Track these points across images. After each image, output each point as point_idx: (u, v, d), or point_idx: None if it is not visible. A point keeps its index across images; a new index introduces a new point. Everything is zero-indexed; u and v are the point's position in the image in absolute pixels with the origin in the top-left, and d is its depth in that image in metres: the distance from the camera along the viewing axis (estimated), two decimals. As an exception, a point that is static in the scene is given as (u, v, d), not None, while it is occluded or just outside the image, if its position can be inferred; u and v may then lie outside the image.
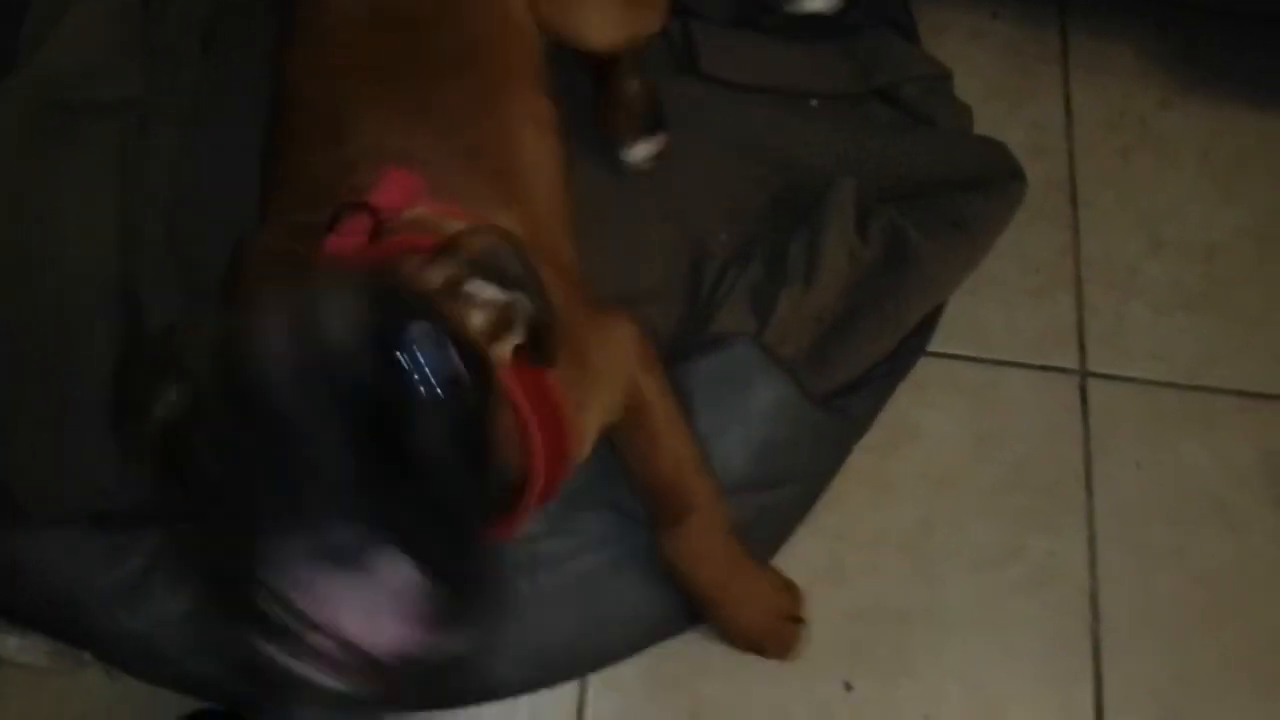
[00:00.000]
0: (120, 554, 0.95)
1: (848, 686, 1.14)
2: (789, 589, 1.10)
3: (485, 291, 0.67)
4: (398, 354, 0.57)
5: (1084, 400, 1.29)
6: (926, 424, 1.25)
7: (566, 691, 1.08)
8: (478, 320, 0.67)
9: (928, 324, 1.17)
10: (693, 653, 1.11)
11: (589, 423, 0.92)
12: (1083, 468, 1.26)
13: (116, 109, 1.06)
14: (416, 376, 0.57)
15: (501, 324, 0.68)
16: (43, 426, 0.97)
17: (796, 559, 1.15)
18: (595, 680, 1.09)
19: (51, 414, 0.98)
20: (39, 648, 0.93)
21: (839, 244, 1.09)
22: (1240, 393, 1.32)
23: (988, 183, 1.17)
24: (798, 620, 1.10)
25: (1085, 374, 1.30)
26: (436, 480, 0.56)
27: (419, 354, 0.58)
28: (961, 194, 1.16)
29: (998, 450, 1.25)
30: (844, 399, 1.09)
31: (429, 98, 0.94)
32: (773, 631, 1.09)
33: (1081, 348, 1.31)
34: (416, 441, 0.56)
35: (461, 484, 0.57)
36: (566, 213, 1.02)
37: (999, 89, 1.40)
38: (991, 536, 1.21)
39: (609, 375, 0.95)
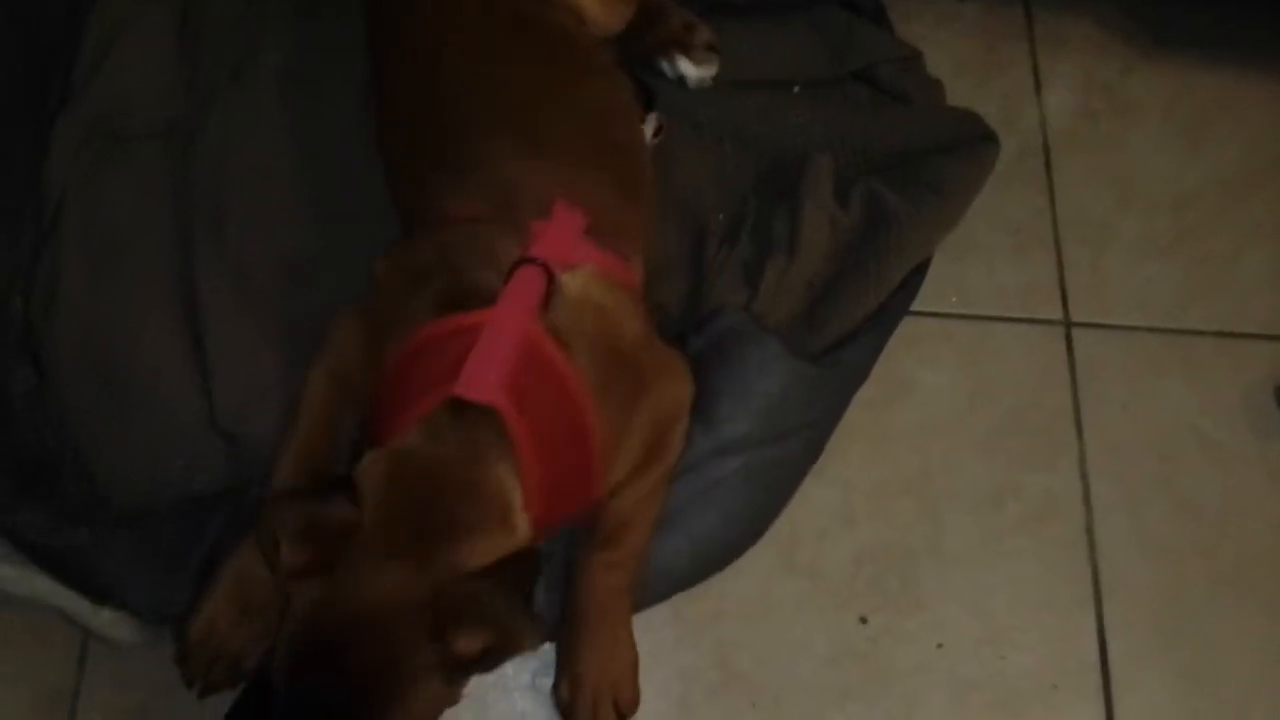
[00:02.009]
0: (195, 537, 1.04)
1: (863, 620, 1.22)
2: (633, 688, 1.08)
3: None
4: None
5: (1069, 349, 1.37)
6: (921, 378, 1.33)
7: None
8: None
9: (912, 281, 1.25)
10: (712, 597, 1.19)
11: (620, 464, 0.97)
12: (1072, 411, 1.34)
13: (161, 134, 1.18)
14: None
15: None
16: (117, 419, 1.07)
17: (807, 507, 1.23)
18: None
19: (125, 408, 1.08)
20: (128, 622, 1.01)
21: (818, 214, 1.18)
22: (1218, 333, 1.40)
23: (961, 147, 1.26)
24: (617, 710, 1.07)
25: (1069, 324, 1.38)
26: None
27: None
28: (937, 159, 1.25)
29: (990, 399, 1.33)
30: (836, 353, 1.18)
31: (540, 109, 1.03)
32: (600, 696, 1.06)
33: (1064, 300, 1.39)
34: None
35: None
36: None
37: (970, 66, 1.50)
38: (989, 478, 1.30)
39: (655, 420, 1.01)
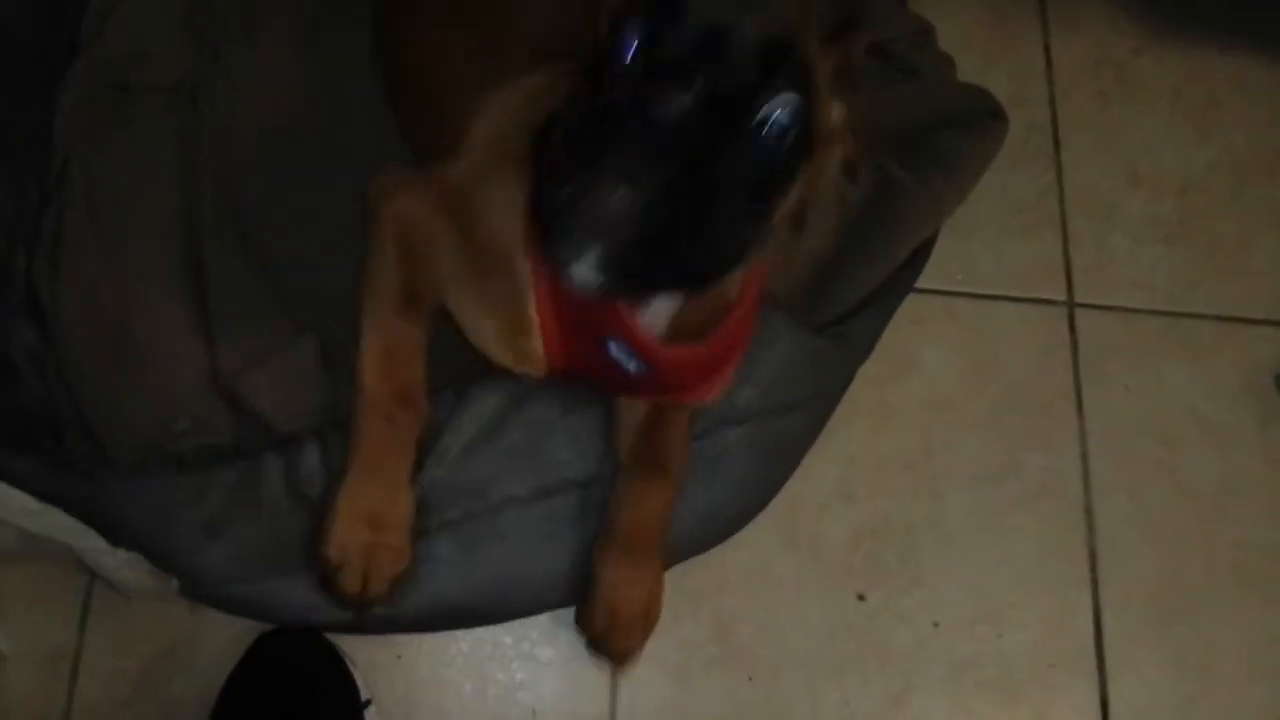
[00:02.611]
0: (201, 491, 1.03)
1: (861, 597, 1.22)
2: (658, 613, 1.09)
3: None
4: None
5: (1072, 329, 1.37)
6: (924, 356, 1.33)
7: (601, 604, 1.18)
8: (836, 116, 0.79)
9: (918, 257, 1.24)
10: (713, 569, 1.19)
11: None
12: (1073, 391, 1.34)
13: (168, 89, 1.16)
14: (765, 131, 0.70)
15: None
16: (119, 378, 1.06)
17: (809, 482, 1.24)
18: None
19: (127, 366, 1.07)
20: (139, 564, 1.00)
21: (825, 188, 1.17)
22: (1220, 317, 1.40)
23: (970, 122, 1.25)
24: (644, 632, 1.08)
25: (1073, 304, 1.38)
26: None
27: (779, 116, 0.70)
28: (946, 134, 1.24)
29: (992, 378, 1.33)
30: (840, 326, 1.17)
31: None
32: (632, 621, 1.07)
33: (1068, 280, 1.39)
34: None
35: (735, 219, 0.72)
36: None
37: (981, 43, 1.49)
38: (990, 456, 1.30)
39: None
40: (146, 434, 1.05)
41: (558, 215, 0.68)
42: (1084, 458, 1.31)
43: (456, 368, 1.05)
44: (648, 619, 1.08)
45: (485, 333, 0.95)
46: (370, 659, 1.12)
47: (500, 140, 0.92)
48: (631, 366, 0.90)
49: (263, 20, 1.24)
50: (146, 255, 1.10)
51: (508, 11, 1.02)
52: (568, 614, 1.11)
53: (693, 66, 0.67)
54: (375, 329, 0.97)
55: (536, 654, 1.16)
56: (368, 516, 0.97)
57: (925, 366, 1.33)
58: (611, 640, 1.07)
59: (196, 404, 1.07)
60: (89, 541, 0.96)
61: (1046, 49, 1.50)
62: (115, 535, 0.97)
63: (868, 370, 1.26)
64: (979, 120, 1.28)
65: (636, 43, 0.70)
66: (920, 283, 1.29)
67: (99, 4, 1.18)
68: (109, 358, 1.07)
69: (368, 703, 1.07)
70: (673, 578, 1.15)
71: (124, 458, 1.03)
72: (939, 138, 1.26)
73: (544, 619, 1.15)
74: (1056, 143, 1.45)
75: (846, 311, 1.20)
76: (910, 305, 1.28)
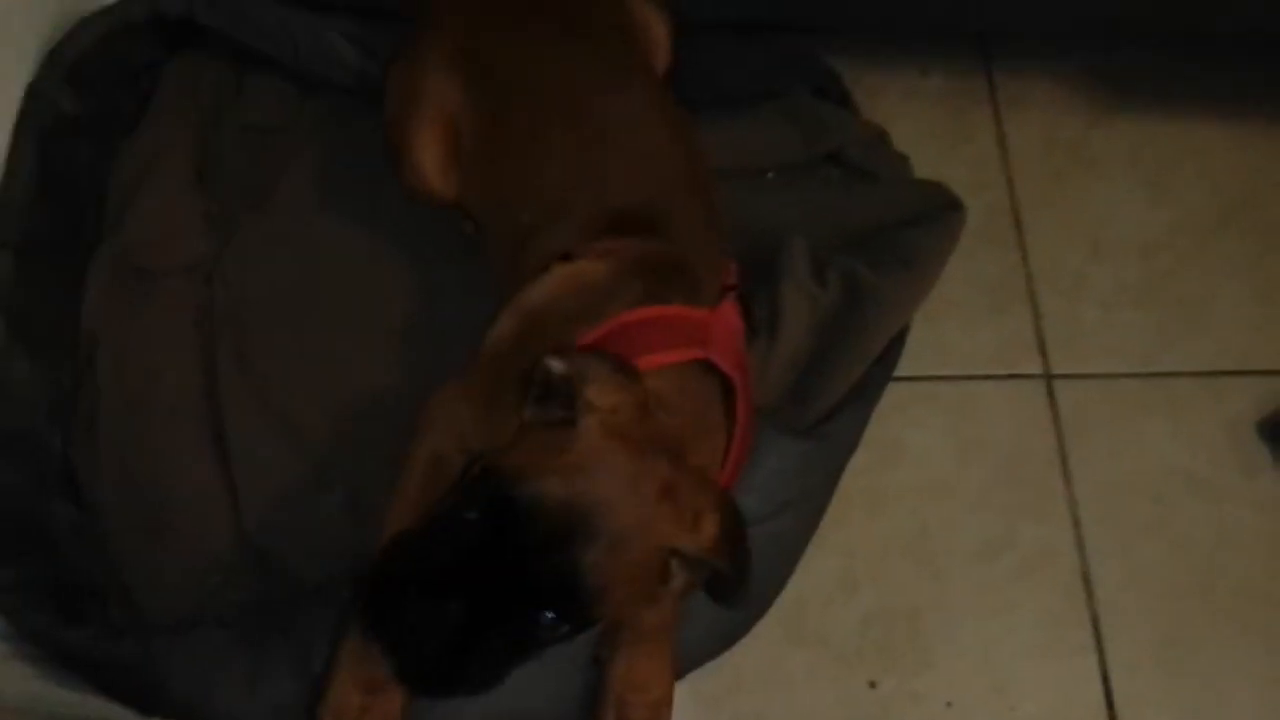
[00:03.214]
0: (233, 651, 1.09)
1: (872, 685, 1.27)
2: (669, 714, 1.11)
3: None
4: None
5: (1052, 400, 1.43)
6: (911, 441, 1.39)
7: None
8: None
9: (893, 349, 1.31)
10: (726, 672, 1.24)
11: None
12: (1060, 461, 1.39)
13: (183, 271, 1.26)
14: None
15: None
16: (154, 543, 1.15)
17: (810, 576, 1.28)
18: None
19: (160, 531, 1.15)
20: None
21: (797, 294, 1.25)
22: (1195, 373, 1.45)
23: (929, 218, 1.33)
24: None
25: (1050, 376, 1.44)
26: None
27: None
28: (906, 231, 1.31)
29: (979, 455, 1.39)
30: (823, 426, 1.23)
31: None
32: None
33: (1043, 353, 1.45)
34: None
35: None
36: None
37: (936, 135, 1.57)
38: (985, 532, 1.35)
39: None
40: (183, 595, 1.13)
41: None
42: (1076, 524, 1.36)
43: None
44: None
45: None
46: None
47: (506, 358, 1.04)
48: None
49: (269, 194, 1.34)
50: (173, 428, 1.19)
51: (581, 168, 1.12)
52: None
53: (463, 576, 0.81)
54: None
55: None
56: (365, 681, 1.02)
57: (912, 452, 1.38)
58: None
59: (228, 561, 1.14)
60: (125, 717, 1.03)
61: (1000, 135, 1.58)
62: (153, 704, 1.04)
63: (857, 461, 1.31)
64: (937, 214, 1.36)
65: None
66: (899, 371, 1.35)
67: (116, 197, 1.30)
68: (143, 525, 1.15)
69: None
70: (687, 684, 1.20)
71: (162, 618, 1.11)
72: (900, 235, 1.33)
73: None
74: (1018, 223, 1.52)
75: (828, 411, 1.26)
76: (891, 393, 1.34)
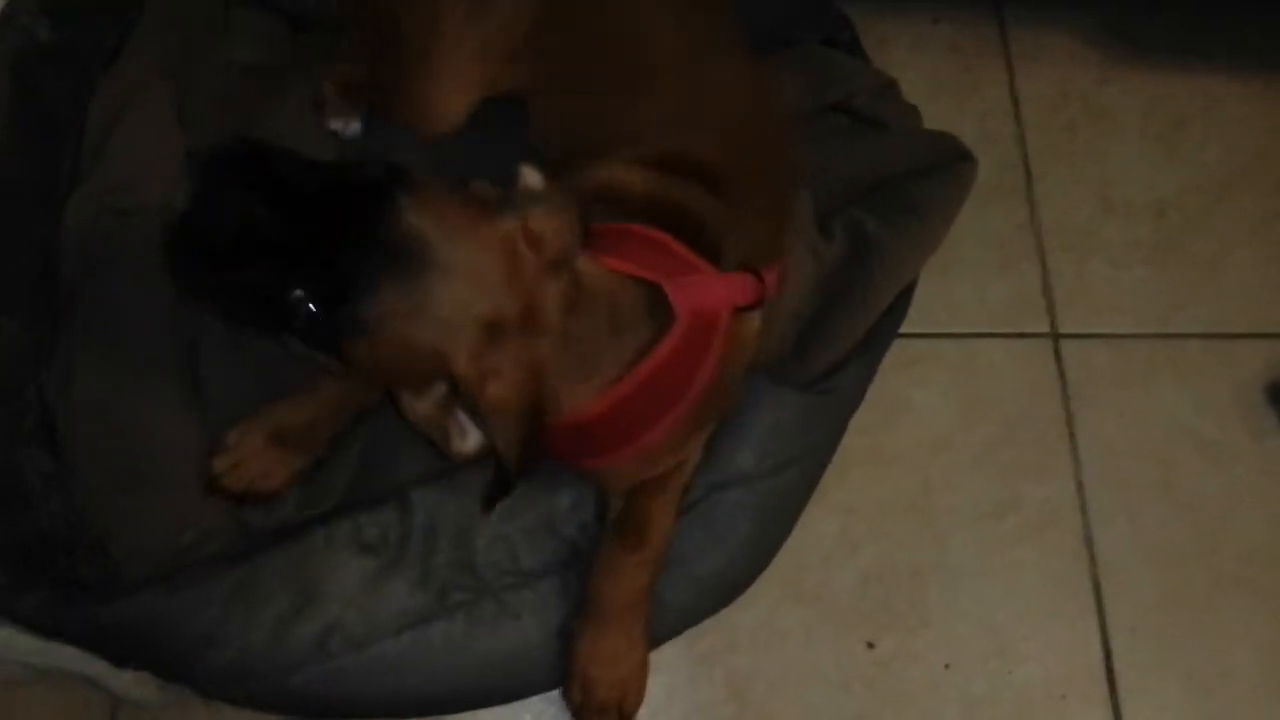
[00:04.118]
0: (201, 605, 1.07)
1: (871, 644, 1.25)
2: (640, 692, 1.10)
3: None
4: None
5: (1059, 360, 1.40)
6: (916, 399, 1.36)
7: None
8: None
9: (899, 304, 1.27)
10: (723, 630, 1.22)
11: (665, 456, 1.03)
12: (1065, 421, 1.37)
13: (159, 209, 1.21)
14: None
15: None
16: (131, 495, 1.10)
17: (811, 535, 1.26)
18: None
19: (134, 481, 1.11)
20: (149, 682, 1.04)
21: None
22: (1205, 335, 1.42)
23: (939, 168, 1.29)
24: (623, 713, 1.09)
25: (1057, 335, 1.41)
26: None
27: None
28: (915, 182, 1.27)
29: (984, 415, 1.36)
30: (828, 380, 1.20)
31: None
32: (607, 703, 1.08)
33: (1051, 311, 1.42)
34: None
35: None
36: None
37: (947, 86, 1.53)
38: (987, 492, 1.32)
39: (701, 443, 1.09)
40: (157, 548, 1.09)
41: None
42: (1080, 486, 1.34)
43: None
44: (626, 702, 1.08)
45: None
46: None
47: None
48: None
49: (254, 133, 1.29)
50: (149, 373, 1.14)
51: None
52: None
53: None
54: None
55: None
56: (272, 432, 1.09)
57: (916, 409, 1.35)
58: (588, 717, 1.08)
59: (203, 514, 1.11)
60: (94, 667, 1.00)
61: (1012, 87, 1.54)
62: (118, 658, 1.01)
63: (859, 418, 1.28)
64: (947, 165, 1.32)
65: None
66: (904, 327, 1.31)
67: (92, 138, 1.23)
68: (120, 476, 1.11)
69: None
70: (683, 642, 1.18)
71: (136, 572, 1.07)
72: (909, 187, 1.29)
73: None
74: (1029, 177, 1.49)
75: (833, 366, 1.23)
76: (896, 350, 1.30)
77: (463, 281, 0.81)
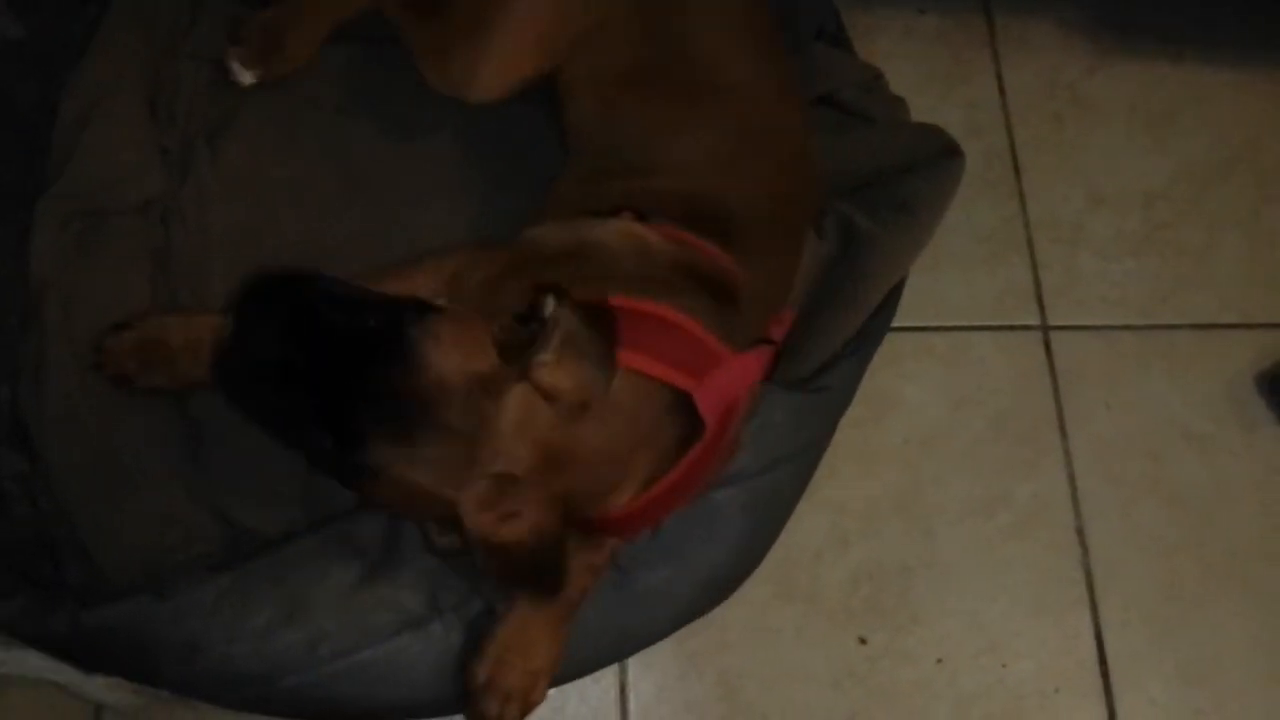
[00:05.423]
0: (190, 611, 1.05)
1: (862, 641, 1.24)
2: (544, 689, 1.07)
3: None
4: None
5: (1048, 352, 1.39)
6: (905, 394, 1.35)
7: (607, 674, 1.20)
8: None
9: (890, 299, 1.26)
10: (714, 628, 1.21)
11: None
12: (1055, 415, 1.36)
13: (137, 210, 1.19)
14: None
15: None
16: (109, 498, 1.09)
17: (801, 532, 1.25)
18: (634, 662, 1.20)
19: (112, 482, 1.09)
20: (123, 686, 1.03)
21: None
22: (1195, 326, 1.42)
23: (928, 164, 1.27)
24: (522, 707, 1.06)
25: (1046, 328, 1.40)
26: None
27: None
28: (904, 178, 1.26)
29: (974, 409, 1.35)
30: (819, 379, 1.19)
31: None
32: (511, 691, 1.05)
33: (1040, 304, 1.41)
34: None
35: None
36: None
37: (934, 77, 1.51)
38: (978, 488, 1.32)
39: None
40: (141, 550, 1.07)
41: None
42: (1071, 479, 1.33)
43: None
44: (534, 693, 1.05)
45: None
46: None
47: (537, 262, 1.02)
48: None
49: (227, 127, 1.27)
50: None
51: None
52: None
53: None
54: None
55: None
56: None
57: (906, 405, 1.35)
58: (485, 701, 1.04)
59: (185, 516, 1.09)
60: (64, 675, 0.99)
61: (999, 77, 1.53)
62: (90, 665, 0.99)
63: (849, 414, 1.26)
64: (935, 160, 1.30)
65: None
66: (894, 321, 1.29)
67: (63, 137, 1.21)
68: (97, 479, 1.09)
69: None
70: (674, 640, 1.17)
71: (121, 577, 1.06)
72: (898, 182, 1.27)
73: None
74: (1017, 169, 1.48)
75: (824, 364, 1.22)
76: (886, 345, 1.28)
77: (463, 441, 0.81)
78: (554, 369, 0.81)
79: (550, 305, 0.82)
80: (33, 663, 1.00)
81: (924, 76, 1.50)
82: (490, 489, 0.81)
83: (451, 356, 0.81)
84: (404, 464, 0.81)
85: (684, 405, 0.90)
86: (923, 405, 1.35)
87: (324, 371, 0.81)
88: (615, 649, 1.15)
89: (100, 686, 1.03)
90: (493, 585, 0.90)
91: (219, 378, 0.90)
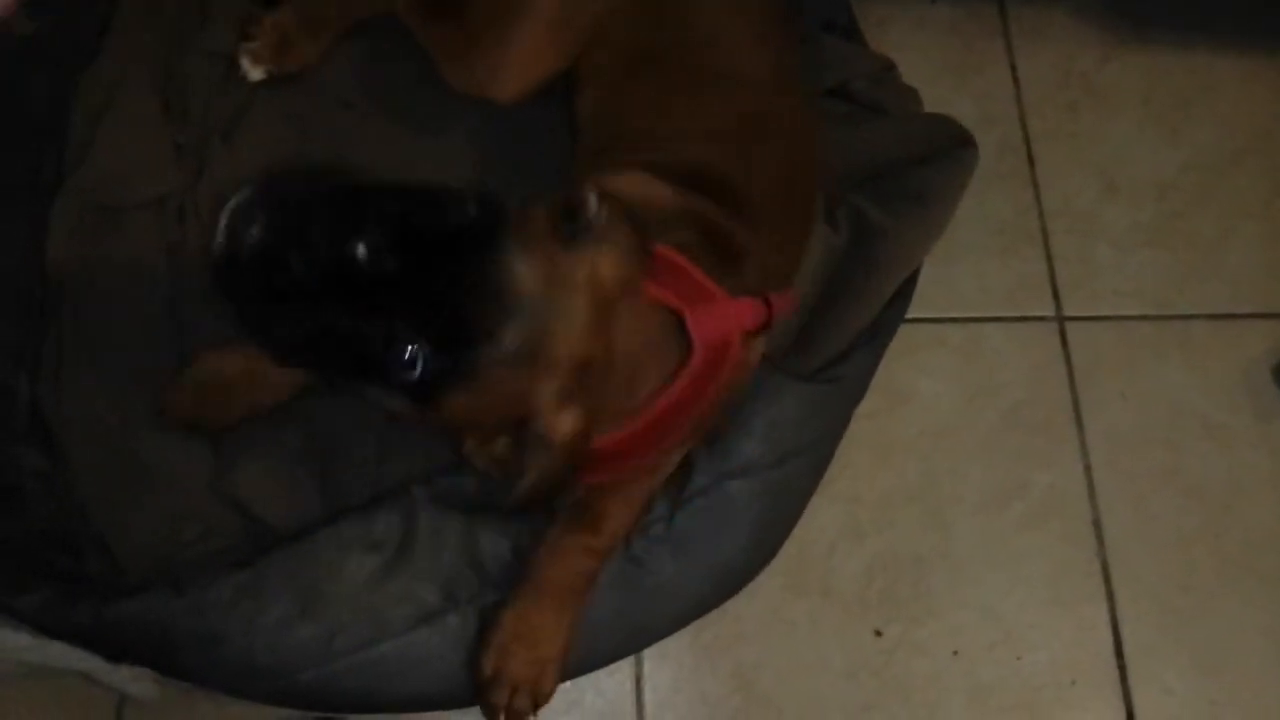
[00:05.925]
0: (208, 605, 1.05)
1: (878, 633, 1.24)
2: (554, 680, 1.06)
3: None
4: None
5: (1064, 343, 1.38)
6: (920, 386, 1.35)
7: (623, 666, 1.20)
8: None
9: (904, 291, 1.26)
10: (729, 621, 1.21)
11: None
12: (1071, 406, 1.36)
13: (154, 204, 1.19)
14: None
15: None
16: (128, 492, 1.09)
17: (816, 524, 1.25)
18: (649, 655, 1.21)
19: (131, 478, 1.10)
20: (146, 677, 1.04)
21: (814, 240, 1.20)
22: (1211, 315, 1.41)
23: (941, 154, 1.27)
24: (532, 700, 1.05)
25: (1062, 319, 1.40)
26: None
27: None
28: (917, 169, 1.25)
29: (989, 400, 1.35)
30: (832, 370, 1.19)
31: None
32: (519, 682, 1.04)
33: (1055, 295, 1.41)
34: None
35: None
36: None
37: (947, 68, 1.51)
38: (994, 479, 1.31)
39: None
40: (158, 544, 1.08)
41: None
42: (1087, 470, 1.33)
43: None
44: (542, 682, 1.04)
45: None
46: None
47: None
48: None
49: (240, 122, 1.27)
50: (142, 367, 1.13)
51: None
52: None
53: None
54: None
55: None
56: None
57: (921, 396, 1.34)
58: (494, 692, 1.04)
59: (204, 510, 1.10)
60: (89, 663, 1.00)
61: (1013, 67, 1.52)
62: (115, 655, 1.00)
63: (864, 405, 1.26)
64: (949, 151, 1.29)
65: None
66: (908, 313, 1.29)
67: (79, 132, 1.21)
68: (116, 473, 1.10)
69: None
70: (689, 632, 1.17)
71: (139, 571, 1.06)
72: (911, 174, 1.27)
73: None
74: (1030, 159, 1.47)
75: (838, 355, 1.22)
76: (900, 336, 1.28)
77: (562, 329, 0.78)
78: (612, 260, 0.81)
79: (594, 201, 0.82)
80: (58, 650, 1.00)
81: (937, 67, 1.49)
82: (569, 383, 0.79)
83: (536, 239, 0.79)
84: (515, 361, 0.77)
85: (680, 330, 0.90)
86: (937, 397, 1.34)
87: (413, 275, 0.72)
88: (630, 642, 1.16)
89: (125, 677, 1.04)
90: (518, 502, 0.84)
91: (237, 296, 0.74)
